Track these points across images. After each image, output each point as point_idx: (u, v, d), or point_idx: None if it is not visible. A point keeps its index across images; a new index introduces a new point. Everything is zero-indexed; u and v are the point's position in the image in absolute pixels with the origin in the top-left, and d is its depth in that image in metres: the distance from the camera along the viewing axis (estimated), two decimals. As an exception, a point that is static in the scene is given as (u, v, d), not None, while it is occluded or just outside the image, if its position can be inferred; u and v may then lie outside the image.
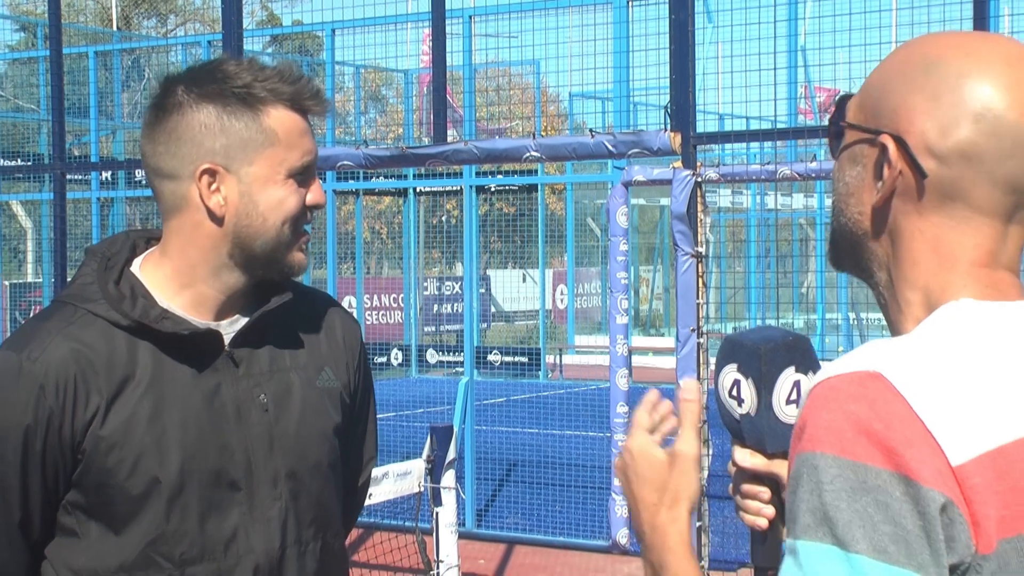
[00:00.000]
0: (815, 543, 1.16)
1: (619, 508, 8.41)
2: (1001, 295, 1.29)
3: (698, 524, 5.38)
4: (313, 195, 2.11)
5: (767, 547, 1.59)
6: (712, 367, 4.37)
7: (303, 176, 2.10)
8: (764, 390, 1.53)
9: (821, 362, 1.47)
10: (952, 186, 1.28)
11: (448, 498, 5.54)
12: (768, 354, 1.53)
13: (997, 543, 1.18)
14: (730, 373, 1.56)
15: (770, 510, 1.57)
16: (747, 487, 1.58)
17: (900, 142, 1.29)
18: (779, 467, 1.55)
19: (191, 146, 2.05)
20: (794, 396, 1.54)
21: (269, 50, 20.67)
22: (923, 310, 1.30)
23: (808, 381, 1.26)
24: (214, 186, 2.07)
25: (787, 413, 1.53)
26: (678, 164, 5.53)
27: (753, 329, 1.60)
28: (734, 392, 1.56)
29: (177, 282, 2.13)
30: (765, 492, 1.57)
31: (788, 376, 1.53)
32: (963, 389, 1.20)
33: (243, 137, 2.06)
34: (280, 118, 2.07)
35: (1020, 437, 1.20)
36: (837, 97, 1.42)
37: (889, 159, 1.30)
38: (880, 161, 1.31)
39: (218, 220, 2.08)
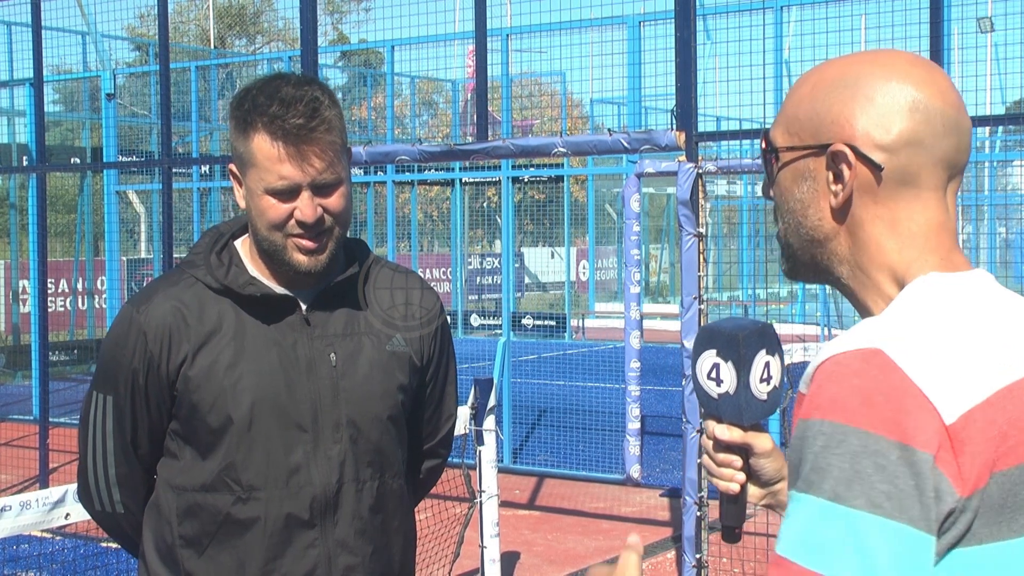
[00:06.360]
0: (815, 497, 1.12)
1: (632, 448, 8.37)
2: (955, 268, 1.27)
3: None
4: (298, 212, 2.01)
5: (737, 508, 1.52)
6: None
7: (285, 195, 2.01)
8: (742, 371, 1.46)
9: (813, 344, 1.41)
10: (903, 171, 1.26)
11: (489, 439, 5.53)
12: (745, 339, 1.46)
13: (990, 476, 1.14)
14: (709, 358, 1.48)
15: (742, 476, 1.51)
16: (722, 456, 1.51)
17: (851, 146, 1.27)
18: (753, 438, 1.49)
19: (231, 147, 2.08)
20: (766, 375, 1.48)
21: (340, 64, 20.62)
22: (893, 287, 1.27)
23: (813, 358, 1.21)
24: (235, 184, 2.08)
25: (760, 390, 1.47)
26: (682, 158, 5.46)
27: (725, 320, 1.52)
28: (712, 375, 1.48)
29: (254, 258, 2.13)
30: (738, 460, 1.51)
31: (761, 358, 1.47)
32: (950, 354, 1.17)
33: (239, 153, 2.04)
34: (260, 143, 2.00)
35: (1000, 388, 1.17)
36: (762, 134, 1.37)
37: (848, 161, 1.26)
38: (832, 169, 1.28)
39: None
